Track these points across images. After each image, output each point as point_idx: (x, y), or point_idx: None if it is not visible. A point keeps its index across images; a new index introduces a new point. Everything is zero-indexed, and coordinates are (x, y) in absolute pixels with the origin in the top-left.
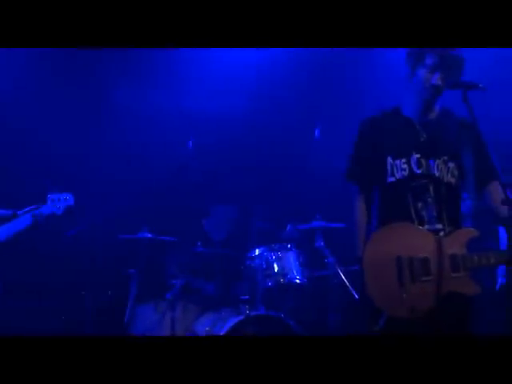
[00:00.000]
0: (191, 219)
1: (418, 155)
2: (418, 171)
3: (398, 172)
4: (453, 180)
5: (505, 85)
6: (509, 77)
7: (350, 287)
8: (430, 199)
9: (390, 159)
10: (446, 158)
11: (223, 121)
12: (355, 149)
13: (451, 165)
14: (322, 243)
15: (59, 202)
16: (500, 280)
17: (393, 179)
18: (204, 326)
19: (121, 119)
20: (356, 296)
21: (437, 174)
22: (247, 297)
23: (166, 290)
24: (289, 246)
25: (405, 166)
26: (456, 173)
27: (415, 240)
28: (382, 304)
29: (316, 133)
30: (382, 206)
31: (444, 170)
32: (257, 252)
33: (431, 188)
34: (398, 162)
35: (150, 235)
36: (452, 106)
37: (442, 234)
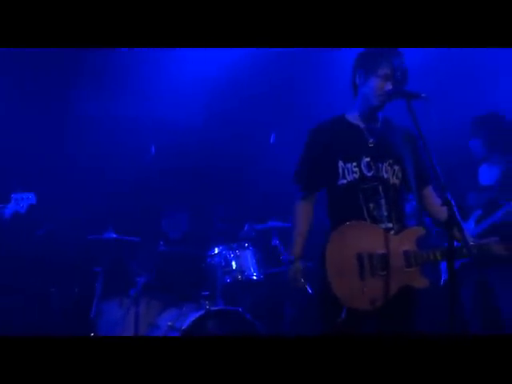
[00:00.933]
0: (153, 220)
1: (368, 159)
2: (369, 174)
3: (349, 175)
4: (397, 182)
5: (445, 92)
6: (447, 85)
7: (305, 283)
8: (380, 200)
9: (341, 163)
10: (391, 161)
11: (183, 125)
12: (305, 152)
13: (396, 167)
14: (278, 241)
15: (22, 201)
16: (443, 276)
17: (344, 181)
18: (166, 320)
19: (85, 121)
20: (310, 291)
21: (385, 176)
22: (207, 293)
23: (130, 287)
24: (246, 244)
25: (356, 169)
26: (400, 175)
27: (372, 237)
28: (345, 298)
29: (271, 138)
30: (333, 207)
31: (390, 172)
32: (216, 250)
33: (381, 189)
34: (349, 165)
35: (115, 235)
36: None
37: (392, 232)
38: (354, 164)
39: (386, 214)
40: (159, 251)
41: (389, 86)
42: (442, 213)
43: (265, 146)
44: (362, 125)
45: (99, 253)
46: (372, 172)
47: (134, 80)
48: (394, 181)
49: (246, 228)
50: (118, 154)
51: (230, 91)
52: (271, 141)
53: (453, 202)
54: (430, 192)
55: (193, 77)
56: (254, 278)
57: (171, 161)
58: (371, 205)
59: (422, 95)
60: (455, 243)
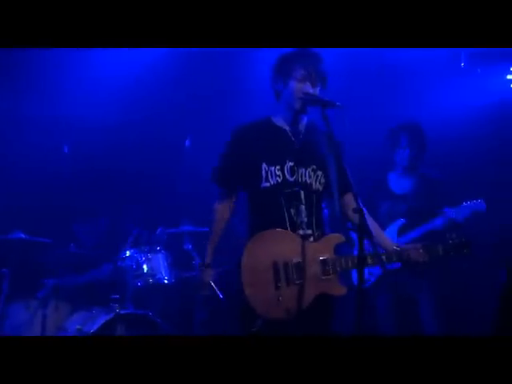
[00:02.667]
0: (64, 223)
1: (292, 163)
2: (291, 179)
3: (272, 178)
4: (320, 188)
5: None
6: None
7: (215, 288)
8: (301, 206)
9: (264, 165)
10: (314, 166)
11: (97, 126)
12: (226, 151)
13: (319, 173)
14: (190, 246)
15: None
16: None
17: (267, 184)
18: (75, 323)
19: None
20: (221, 296)
21: (308, 182)
22: (117, 296)
23: (37, 290)
24: (158, 248)
25: (279, 172)
26: (323, 181)
27: (289, 245)
28: (260, 307)
29: (186, 142)
30: (254, 211)
31: (313, 177)
32: (127, 253)
33: (302, 195)
34: (272, 168)
35: (23, 236)
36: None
37: (311, 238)
38: (278, 167)
39: (305, 220)
40: (69, 253)
41: (308, 87)
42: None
43: (180, 149)
44: (287, 128)
45: (6, 253)
46: (295, 177)
47: (46, 79)
48: (317, 186)
49: (158, 231)
50: (28, 154)
51: (149, 91)
52: (186, 144)
53: (364, 210)
54: (350, 199)
55: (109, 76)
56: (166, 281)
57: (85, 161)
58: (292, 210)
59: (337, 104)
60: (380, 250)
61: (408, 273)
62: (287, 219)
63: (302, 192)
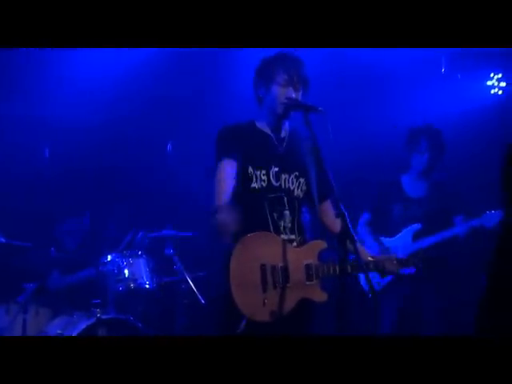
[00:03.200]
0: (45, 226)
1: (277, 169)
2: (276, 184)
3: (257, 181)
4: (301, 194)
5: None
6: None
7: (197, 292)
8: (284, 211)
9: (250, 168)
10: (297, 173)
11: (78, 127)
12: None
13: (301, 180)
14: (172, 251)
15: None
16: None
17: (255, 186)
18: (56, 328)
19: None
20: (202, 301)
21: (291, 188)
22: (99, 301)
23: (17, 294)
24: (139, 252)
25: (264, 177)
26: (304, 188)
27: (275, 249)
28: (246, 309)
29: (168, 147)
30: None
31: (296, 184)
32: (109, 258)
33: (286, 200)
34: (258, 172)
35: (3, 240)
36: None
37: (294, 243)
38: (264, 172)
39: (289, 225)
40: (50, 257)
41: (291, 92)
42: (337, 226)
43: (163, 153)
44: (271, 134)
45: None
46: (279, 182)
47: (25, 79)
48: (299, 193)
49: (139, 236)
50: (6, 155)
51: (132, 92)
52: (168, 149)
53: (346, 214)
54: (328, 205)
55: (90, 76)
56: (147, 286)
57: (66, 162)
58: (275, 214)
59: (319, 108)
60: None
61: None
62: (270, 223)
63: (286, 198)
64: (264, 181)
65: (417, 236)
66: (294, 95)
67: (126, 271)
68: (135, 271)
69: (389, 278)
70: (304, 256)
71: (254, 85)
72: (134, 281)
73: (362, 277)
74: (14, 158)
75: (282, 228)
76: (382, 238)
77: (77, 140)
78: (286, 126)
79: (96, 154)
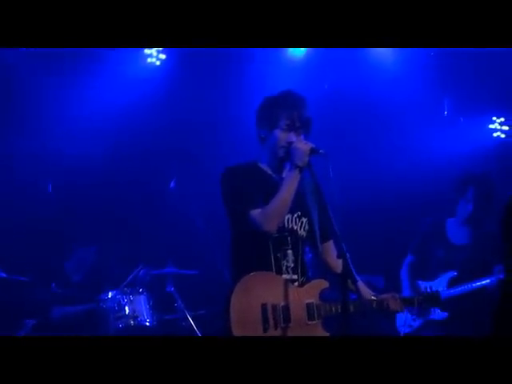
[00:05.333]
0: (49, 260)
1: None
2: (281, 224)
3: None
4: (304, 234)
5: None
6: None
7: (196, 330)
8: (288, 251)
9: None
10: (299, 213)
11: (82, 165)
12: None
13: (304, 220)
14: (173, 288)
15: None
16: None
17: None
18: None
19: None
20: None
21: (294, 228)
22: None
23: (18, 329)
24: (140, 289)
25: None
26: (307, 228)
27: (276, 289)
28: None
29: (171, 184)
30: (240, 253)
31: (298, 223)
32: (110, 295)
33: (289, 240)
34: None
35: (3, 275)
36: None
37: (296, 283)
38: None
39: (292, 265)
40: (51, 293)
41: (292, 137)
42: (339, 266)
43: (167, 189)
44: (273, 174)
45: None
46: (282, 222)
47: (26, 117)
48: (302, 233)
49: (141, 272)
50: (8, 191)
51: (135, 126)
52: (171, 186)
53: (347, 255)
54: (330, 245)
55: (93, 110)
56: (147, 324)
57: (69, 196)
58: (279, 255)
59: (320, 151)
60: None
61: None
62: (273, 263)
63: (289, 237)
64: None
65: (452, 283)
66: (294, 139)
67: (127, 308)
68: (136, 308)
69: (420, 321)
70: (305, 295)
71: (256, 124)
72: (135, 318)
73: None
74: (16, 194)
75: (284, 268)
76: (420, 282)
77: (79, 176)
78: (287, 167)
79: (99, 191)
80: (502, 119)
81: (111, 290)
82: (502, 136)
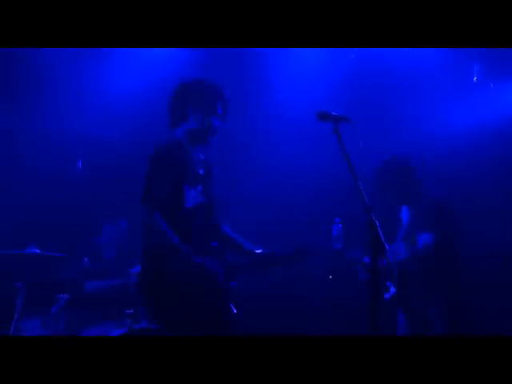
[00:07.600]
0: (81, 236)
1: (201, 187)
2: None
3: (193, 199)
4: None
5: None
6: None
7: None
8: None
9: (186, 187)
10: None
11: (112, 141)
12: (153, 174)
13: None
14: None
15: None
16: None
17: (190, 205)
18: None
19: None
20: (235, 311)
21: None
22: (131, 311)
23: (52, 304)
24: None
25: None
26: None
27: None
28: None
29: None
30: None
31: None
32: None
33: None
34: (193, 190)
35: (37, 251)
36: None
37: None
38: (200, 189)
39: None
40: (83, 268)
41: (216, 121)
42: None
43: None
44: (194, 154)
45: (21, 268)
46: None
47: (60, 95)
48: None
49: None
50: (41, 167)
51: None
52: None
53: (377, 223)
54: None
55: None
56: None
57: (100, 172)
58: None
59: (350, 119)
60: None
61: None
62: None
63: None
64: (198, 198)
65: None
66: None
67: None
68: None
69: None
70: None
71: (178, 104)
72: None
73: None
74: (48, 171)
75: None
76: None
77: (108, 154)
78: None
79: (128, 164)
80: None
81: None
82: None
